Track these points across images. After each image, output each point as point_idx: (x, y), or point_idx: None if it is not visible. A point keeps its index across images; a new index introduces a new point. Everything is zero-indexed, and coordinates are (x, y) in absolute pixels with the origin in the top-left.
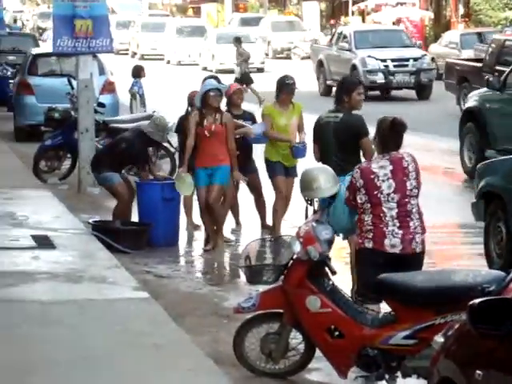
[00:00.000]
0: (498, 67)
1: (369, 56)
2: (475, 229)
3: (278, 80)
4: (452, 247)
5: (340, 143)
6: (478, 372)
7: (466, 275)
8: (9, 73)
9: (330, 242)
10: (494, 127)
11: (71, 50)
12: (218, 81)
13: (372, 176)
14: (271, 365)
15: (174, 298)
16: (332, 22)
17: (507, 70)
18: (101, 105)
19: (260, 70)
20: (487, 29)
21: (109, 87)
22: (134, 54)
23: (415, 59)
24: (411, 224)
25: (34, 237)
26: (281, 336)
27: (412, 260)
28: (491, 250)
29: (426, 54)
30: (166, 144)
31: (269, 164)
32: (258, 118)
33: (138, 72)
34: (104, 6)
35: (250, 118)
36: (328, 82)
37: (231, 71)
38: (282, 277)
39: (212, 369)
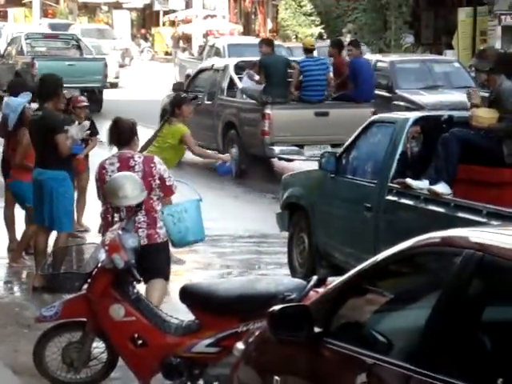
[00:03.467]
0: None
1: None
2: (280, 239)
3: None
4: (256, 256)
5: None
6: (277, 378)
7: (269, 283)
8: None
9: (135, 251)
10: None
11: None
12: None
13: (104, 171)
14: (72, 374)
15: None
16: (143, 31)
17: None
18: None
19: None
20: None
21: None
22: None
23: None
24: (136, 219)
25: None
26: (83, 345)
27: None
28: (294, 259)
29: None
30: None
31: None
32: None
33: None
34: None
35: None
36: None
37: None
38: (86, 285)
39: (10, 380)
